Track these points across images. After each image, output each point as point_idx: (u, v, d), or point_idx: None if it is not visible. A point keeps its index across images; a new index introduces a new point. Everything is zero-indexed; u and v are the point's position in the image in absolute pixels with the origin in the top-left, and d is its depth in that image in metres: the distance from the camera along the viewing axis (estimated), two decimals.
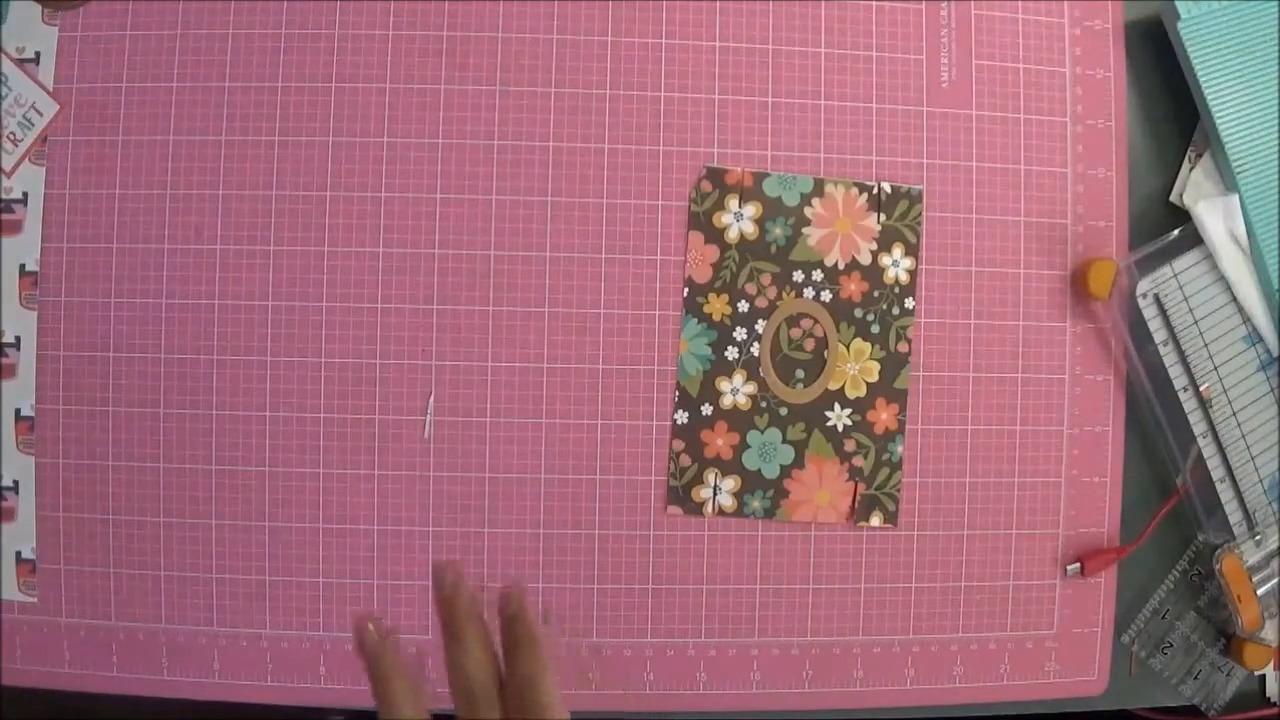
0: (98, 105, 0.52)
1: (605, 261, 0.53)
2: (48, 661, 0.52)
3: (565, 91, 0.53)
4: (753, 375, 0.53)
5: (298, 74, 0.53)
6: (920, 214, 0.54)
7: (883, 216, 0.54)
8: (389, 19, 0.53)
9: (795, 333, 0.54)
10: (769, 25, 0.54)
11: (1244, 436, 0.55)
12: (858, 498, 0.54)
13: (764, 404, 0.53)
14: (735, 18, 0.54)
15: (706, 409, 0.53)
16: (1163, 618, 0.56)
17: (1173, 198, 0.56)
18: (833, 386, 0.54)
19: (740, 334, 0.53)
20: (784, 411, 0.54)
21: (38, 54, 0.52)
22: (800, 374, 0.54)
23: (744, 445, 0.53)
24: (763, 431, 0.53)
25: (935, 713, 0.55)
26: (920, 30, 0.55)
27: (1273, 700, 0.57)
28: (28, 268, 0.52)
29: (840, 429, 0.54)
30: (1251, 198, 0.54)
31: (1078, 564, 0.55)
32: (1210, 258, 0.54)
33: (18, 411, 0.52)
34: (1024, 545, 0.55)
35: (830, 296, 0.54)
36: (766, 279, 0.53)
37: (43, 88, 0.52)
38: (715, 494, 0.53)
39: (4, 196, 0.52)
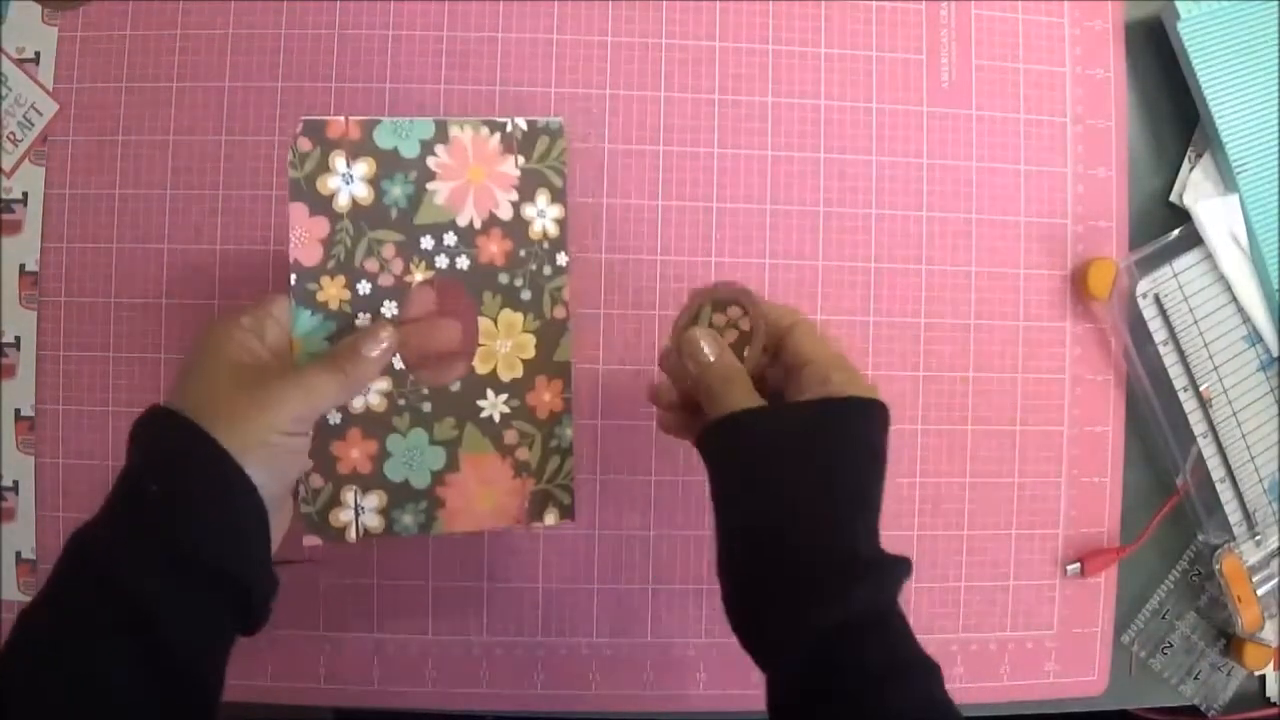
0: (98, 105, 0.52)
1: None
2: None
3: (565, 91, 0.53)
4: (385, 368, 0.44)
5: (297, 74, 0.53)
6: (564, 151, 0.46)
7: (521, 159, 0.45)
8: (389, 19, 0.53)
9: None
10: (769, 25, 0.54)
11: (1244, 436, 0.55)
12: (528, 496, 0.46)
13: (402, 401, 0.44)
14: (735, 18, 0.54)
15: (334, 417, 0.44)
16: (1163, 618, 0.56)
17: (1173, 198, 0.56)
18: (482, 370, 0.45)
19: (365, 321, 0.44)
20: (427, 408, 0.45)
21: (38, 54, 0.52)
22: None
23: (384, 454, 0.44)
24: (404, 435, 0.44)
25: None
26: (920, 30, 0.55)
27: (1273, 700, 0.57)
28: (28, 268, 0.52)
29: (497, 419, 0.45)
30: (1251, 198, 0.54)
31: (1078, 564, 0.55)
32: (1210, 258, 0.54)
33: (18, 411, 0.52)
34: (1024, 545, 0.55)
35: (468, 263, 0.45)
36: (390, 251, 0.44)
37: (43, 88, 0.52)
38: (358, 515, 0.44)
39: (4, 196, 0.52)
